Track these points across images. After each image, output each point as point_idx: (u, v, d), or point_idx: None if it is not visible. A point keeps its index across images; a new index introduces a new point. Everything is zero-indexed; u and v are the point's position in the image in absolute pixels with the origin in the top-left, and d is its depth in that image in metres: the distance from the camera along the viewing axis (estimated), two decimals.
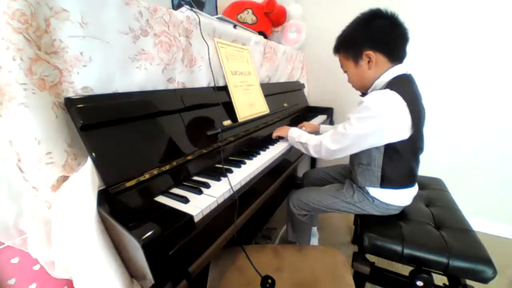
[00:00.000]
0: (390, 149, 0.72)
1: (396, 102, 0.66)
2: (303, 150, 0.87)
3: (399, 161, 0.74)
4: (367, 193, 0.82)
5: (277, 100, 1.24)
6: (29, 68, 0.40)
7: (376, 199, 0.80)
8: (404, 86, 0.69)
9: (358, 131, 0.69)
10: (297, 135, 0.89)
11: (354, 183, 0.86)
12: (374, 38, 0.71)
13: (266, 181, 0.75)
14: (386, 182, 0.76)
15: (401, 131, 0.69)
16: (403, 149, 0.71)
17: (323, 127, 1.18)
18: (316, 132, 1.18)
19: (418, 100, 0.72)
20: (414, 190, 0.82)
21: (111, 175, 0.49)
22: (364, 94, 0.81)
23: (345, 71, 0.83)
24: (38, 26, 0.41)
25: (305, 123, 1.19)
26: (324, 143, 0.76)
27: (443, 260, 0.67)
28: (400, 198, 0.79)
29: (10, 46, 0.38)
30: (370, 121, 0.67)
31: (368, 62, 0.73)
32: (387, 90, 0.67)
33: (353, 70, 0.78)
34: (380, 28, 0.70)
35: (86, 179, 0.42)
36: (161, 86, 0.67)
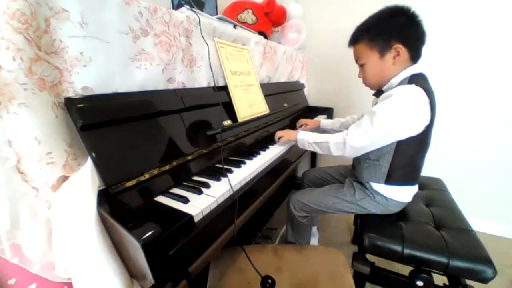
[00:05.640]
0: (402, 146, 0.72)
1: (422, 98, 0.66)
2: (319, 151, 0.84)
3: (408, 158, 0.74)
4: (369, 188, 0.82)
5: (277, 100, 1.24)
6: (29, 68, 0.41)
7: (377, 193, 0.80)
8: (425, 84, 0.69)
9: (386, 126, 0.68)
10: (310, 136, 0.85)
11: (357, 178, 0.86)
12: (405, 32, 0.69)
13: (266, 181, 0.75)
14: (391, 178, 0.76)
15: (419, 127, 0.69)
16: (414, 146, 0.72)
17: (323, 122, 1.20)
18: (317, 128, 1.18)
19: (435, 98, 0.71)
20: (415, 188, 0.82)
21: (111, 175, 0.49)
22: (378, 92, 0.79)
23: (361, 64, 0.78)
24: (38, 26, 0.41)
25: (306, 120, 1.20)
26: (349, 141, 0.73)
27: (443, 260, 0.67)
28: (401, 194, 0.79)
29: (10, 46, 0.38)
30: (399, 116, 0.67)
31: (394, 56, 0.71)
32: (413, 86, 0.66)
33: (375, 62, 0.74)
34: (407, 24, 0.69)
35: (86, 179, 0.42)
36: (161, 86, 0.67)
